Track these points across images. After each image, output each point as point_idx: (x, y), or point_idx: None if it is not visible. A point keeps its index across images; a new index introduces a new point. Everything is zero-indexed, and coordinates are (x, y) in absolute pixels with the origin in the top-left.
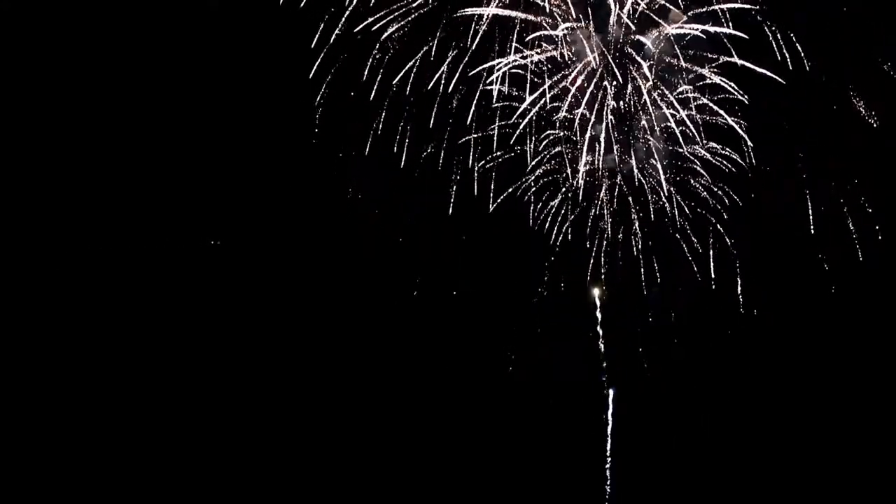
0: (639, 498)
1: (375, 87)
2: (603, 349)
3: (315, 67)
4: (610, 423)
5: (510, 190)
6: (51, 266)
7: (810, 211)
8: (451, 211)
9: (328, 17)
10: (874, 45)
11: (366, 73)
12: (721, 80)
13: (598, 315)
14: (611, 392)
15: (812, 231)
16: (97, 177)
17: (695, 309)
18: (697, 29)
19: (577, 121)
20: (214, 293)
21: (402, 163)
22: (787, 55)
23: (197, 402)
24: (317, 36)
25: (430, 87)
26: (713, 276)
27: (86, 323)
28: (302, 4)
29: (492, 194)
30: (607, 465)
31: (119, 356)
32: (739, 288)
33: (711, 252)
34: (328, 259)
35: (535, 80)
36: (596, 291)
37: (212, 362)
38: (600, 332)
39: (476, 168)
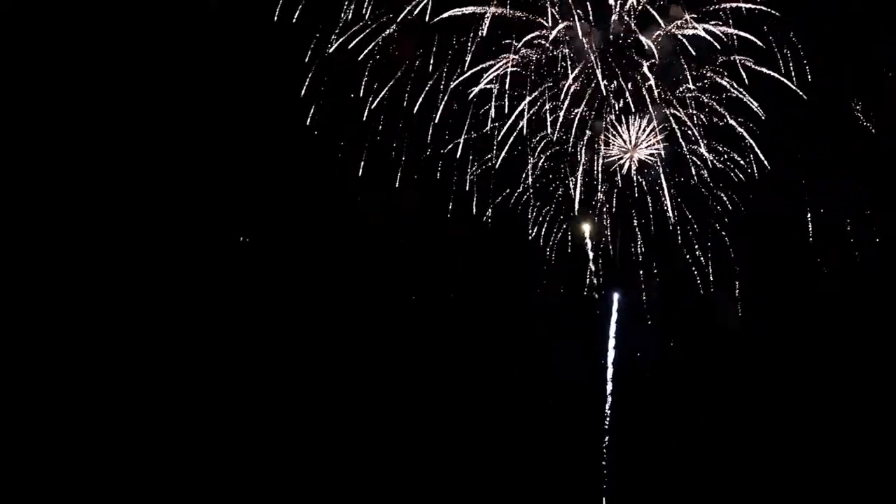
0: (637, 498)
1: (374, 89)
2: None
3: (311, 74)
4: (613, 328)
5: (508, 191)
6: (82, 263)
7: (808, 214)
8: (449, 212)
9: (329, 15)
10: (874, 44)
11: (365, 74)
12: (722, 81)
13: (590, 252)
14: (616, 296)
15: (811, 233)
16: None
17: (694, 311)
18: (698, 28)
19: (575, 121)
20: (216, 294)
21: (402, 165)
22: (787, 54)
23: (197, 400)
24: (313, 43)
25: (427, 89)
26: (712, 278)
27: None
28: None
29: (491, 194)
30: (605, 465)
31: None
32: (738, 291)
33: (710, 254)
34: (329, 262)
35: (535, 79)
36: (586, 227)
37: (211, 363)
38: (592, 269)
39: (475, 169)
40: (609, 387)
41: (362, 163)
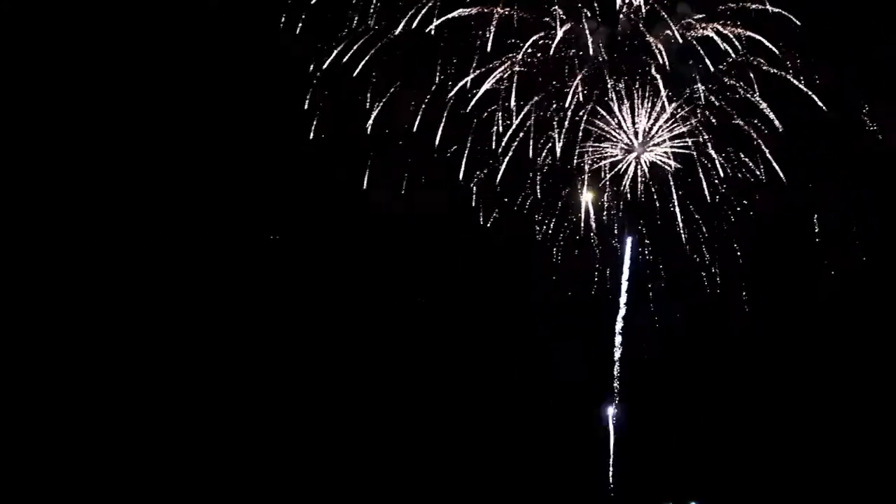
0: (639, 498)
1: (380, 92)
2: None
3: (314, 84)
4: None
5: (513, 192)
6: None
7: (815, 215)
8: (454, 214)
9: (335, 14)
10: (876, 44)
11: (372, 79)
12: (730, 82)
13: (591, 213)
14: (628, 240)
15: (816, 232)
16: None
17: (699, 310)
18: (707, 28)
19: (582, 122)
20: (218, 296)
21: (408, 168)
22: (796, 54)
23: (197, 401)
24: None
25: (433, 90)
26: (718, 279)
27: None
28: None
29: (496, 196)
30: (610, 465)
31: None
32: (744, 292)
33: (717, 255)
34: (334, 264)
35: (541, 80)
36: (590, 196)
37: (210, 364)
38: (593, 228)
39: (480, 171)
40: (616, 384)
41: (368, 167)
